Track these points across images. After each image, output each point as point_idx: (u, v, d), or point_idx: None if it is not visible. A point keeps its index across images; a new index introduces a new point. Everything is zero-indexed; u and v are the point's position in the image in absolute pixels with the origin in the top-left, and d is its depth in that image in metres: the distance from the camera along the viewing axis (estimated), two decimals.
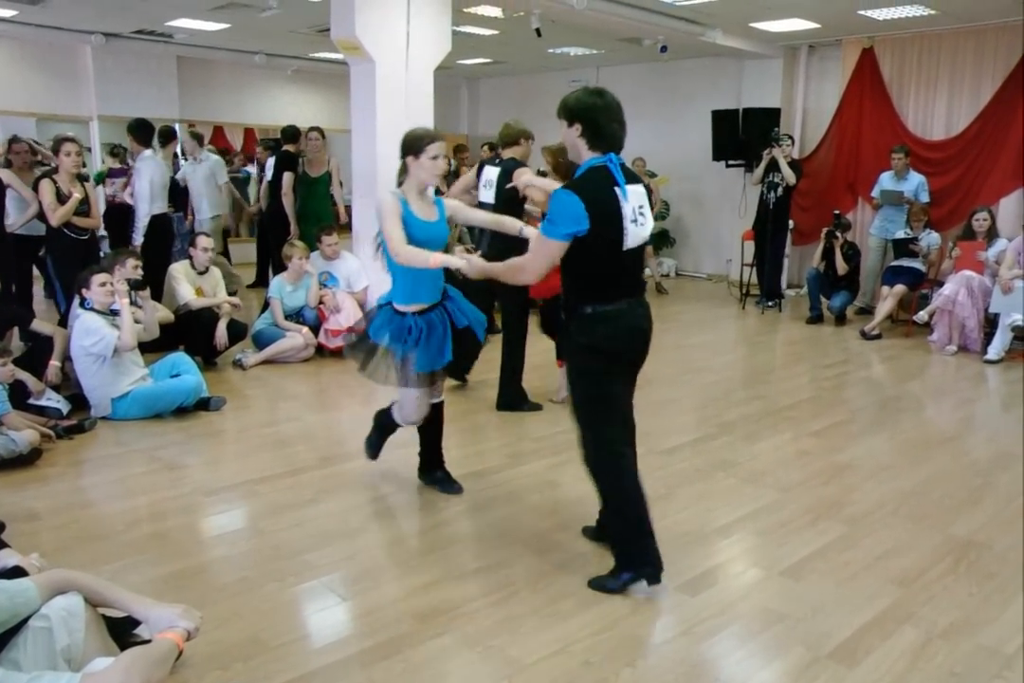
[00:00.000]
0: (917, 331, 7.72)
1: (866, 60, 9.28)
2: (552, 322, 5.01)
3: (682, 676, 2.55)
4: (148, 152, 7.03)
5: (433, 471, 4.03)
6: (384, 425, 4.00)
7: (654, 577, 3.01)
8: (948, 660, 2.64)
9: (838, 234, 8.20)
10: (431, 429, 3.95)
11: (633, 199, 2.87)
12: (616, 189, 2.83)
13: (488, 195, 5.20)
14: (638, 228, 2.89)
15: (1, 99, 9.99)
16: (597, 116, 2.86)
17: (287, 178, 7.55)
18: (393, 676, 2.52)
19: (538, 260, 2.94)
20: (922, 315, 7.39)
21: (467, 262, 3.25)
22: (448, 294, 3.68)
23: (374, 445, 4.09)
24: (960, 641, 2.75)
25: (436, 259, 3.34)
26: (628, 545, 3.04)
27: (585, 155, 2.91)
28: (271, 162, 8.18)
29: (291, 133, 7.87)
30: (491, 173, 5.20)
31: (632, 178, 2.92)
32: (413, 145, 3.51)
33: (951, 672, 2.58)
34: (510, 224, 3.60)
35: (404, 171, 3.57)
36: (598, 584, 3.07)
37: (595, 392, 3.00)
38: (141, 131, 7.08)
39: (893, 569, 3.25)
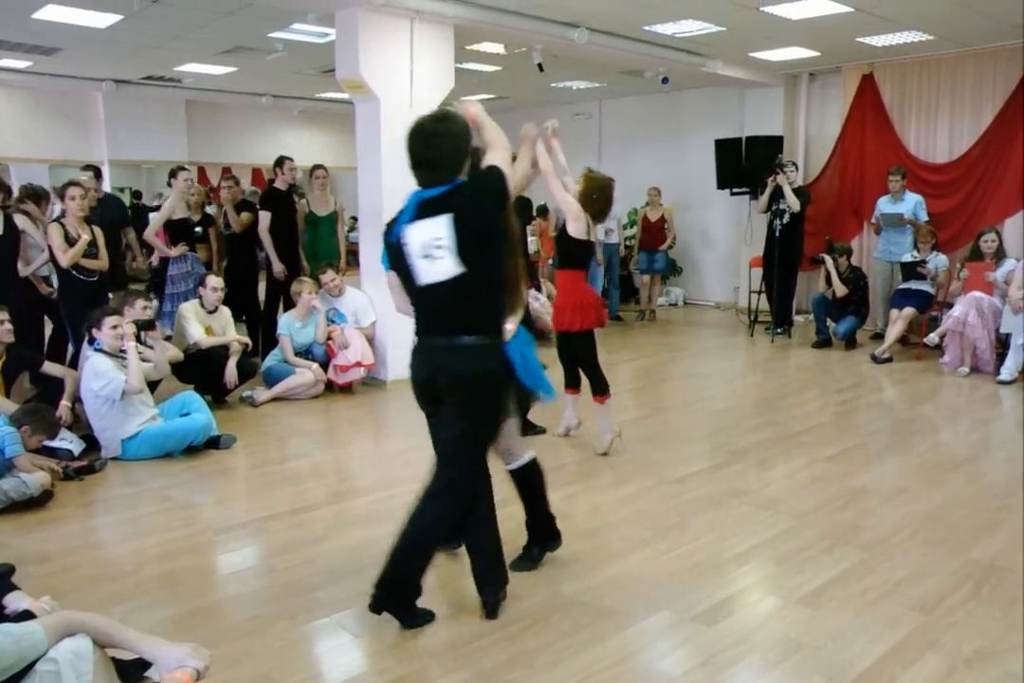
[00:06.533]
0: (928, 354, 7.68)
1: (866, 86, 9.34)
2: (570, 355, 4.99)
3: None
4: None
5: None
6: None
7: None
8: None
9: (824, 257, 8.30)
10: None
11: (417, 235, 2.77)
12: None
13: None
14: (432, 263, 2.77)
15: (16, 147, 10.19)
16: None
17: (263, 216, 7.32)
18: None
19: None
20: (932, 337, 7.36)
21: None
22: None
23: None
24: (987, 668, 2.69)
25: None
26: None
27: None
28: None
29: (276, 163, 7.54)
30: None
31: (431, 211, 2.76)
32: None
33: None
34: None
35: None
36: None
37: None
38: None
39: (913, 595, 3.20)
